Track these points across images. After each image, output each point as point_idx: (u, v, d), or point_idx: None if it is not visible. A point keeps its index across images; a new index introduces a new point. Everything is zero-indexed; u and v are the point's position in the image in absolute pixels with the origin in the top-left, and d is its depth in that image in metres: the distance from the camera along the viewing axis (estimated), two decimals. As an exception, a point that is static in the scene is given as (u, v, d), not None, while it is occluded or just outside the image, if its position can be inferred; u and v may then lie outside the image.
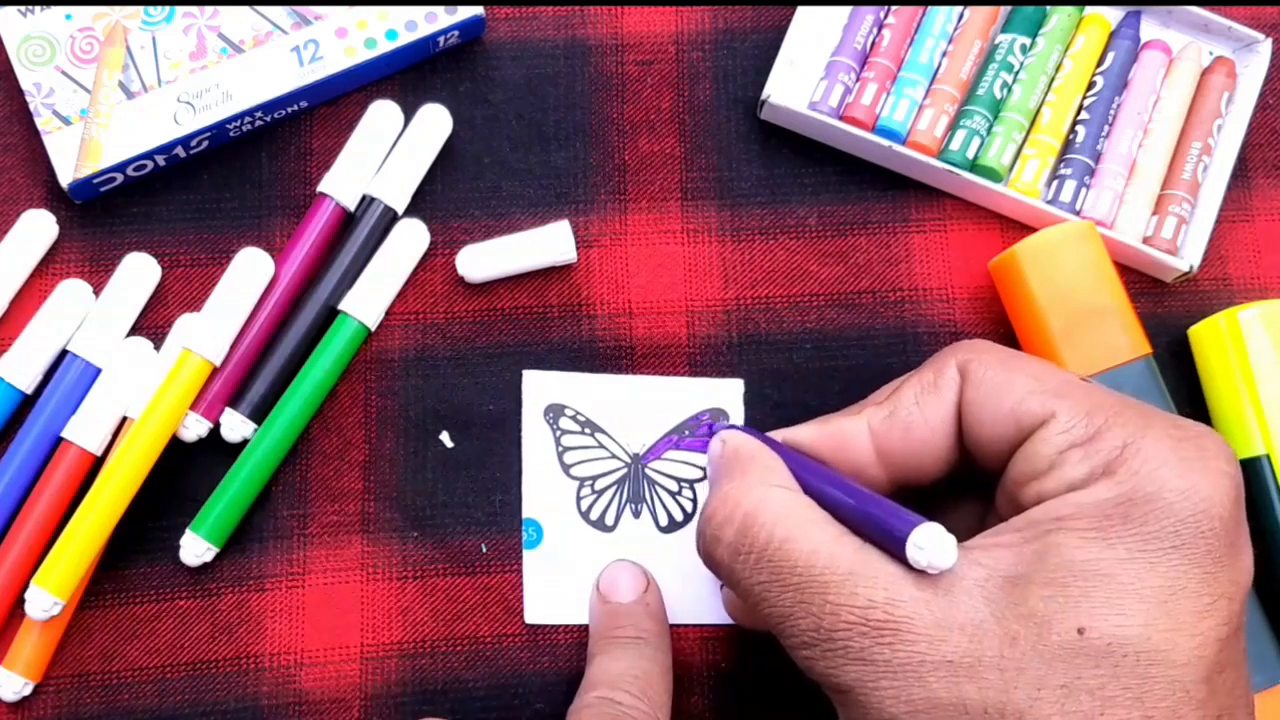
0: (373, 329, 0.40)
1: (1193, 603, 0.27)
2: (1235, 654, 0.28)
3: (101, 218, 0.41)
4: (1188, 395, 0.41)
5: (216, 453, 0.39)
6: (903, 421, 0.32)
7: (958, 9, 0.42)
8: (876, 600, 0.28)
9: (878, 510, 0.29)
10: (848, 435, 0.33)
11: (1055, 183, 0.41)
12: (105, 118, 0.39)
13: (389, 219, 0.41)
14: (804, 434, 0.34)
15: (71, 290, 0.39)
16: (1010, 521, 0.29)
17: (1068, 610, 0.27)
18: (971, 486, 0.34)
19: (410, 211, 0.41)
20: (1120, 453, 0.28)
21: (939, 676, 0.27)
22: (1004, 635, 0.27)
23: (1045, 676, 0.26)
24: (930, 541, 0.27)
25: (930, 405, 0.32)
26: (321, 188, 0.40)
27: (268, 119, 0.41)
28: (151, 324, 0.40)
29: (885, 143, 0.41)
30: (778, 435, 0.34)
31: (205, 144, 0.41)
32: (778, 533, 0.30)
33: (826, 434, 0.33)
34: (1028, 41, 0.42)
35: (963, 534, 0.31)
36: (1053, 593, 0.27)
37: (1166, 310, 0.42)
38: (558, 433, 0.40)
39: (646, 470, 0.40)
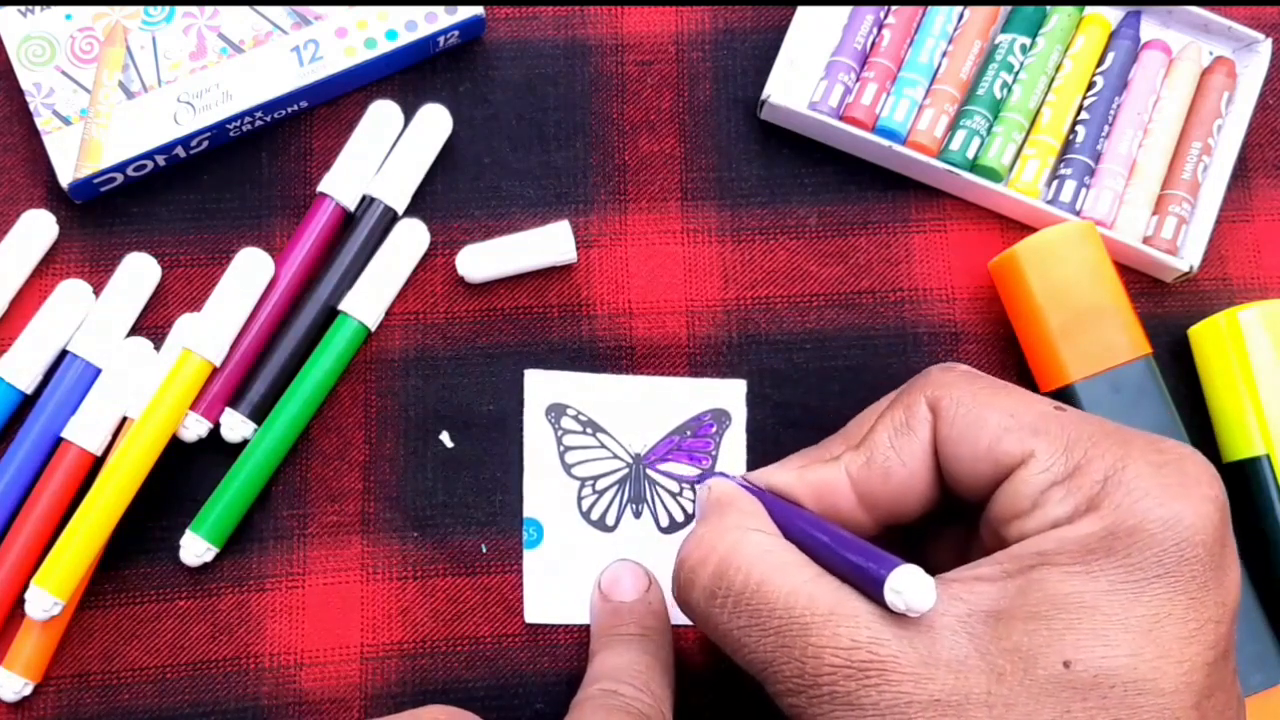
0: (373, 329, 0.40)
1: (1179, 629, 0.27)
2: (1224, 676, 0.28)
3: (101, 218, 0.41)
4: (1188, 395, 0.41)
5: (216, 453, 0.39)
6: (880, 467, 0.32)
7: (958, 9, 0.42)
8: (860, 640, 0.27)
9: (854, 554, 0.29)
10: (828, 484, 0.33)
11: (1055, 183, 0.41)
12: (105, 118, 0.39)
13: (389, 219, 0.41)
14: (785, 480, 0.33)
15: (71, 290, 0.39)
16: (992, 555, 0.29)
17: (1053, 644, 0.26)
18: (955, 513, 0.33)
19: (410, 211, 0.41)
20: (1102, 487, 0.28)
21: (927, 717, 0.27)
22: (990, 671, 0.27)
23: (1034, 712, 0.26)
24: (907, 585, 0.27)
25: (906, 447, 0.32)
26: (321, 188, 0.40)
27: (268, 119, 0.41)
28: (151, 324, 0.40)
29: (885, 143, 0.41)
30: (759, 478, 0.34)
31: (205, 144, 0.41)
32: (754, 575, 0.29)
33: (807, 483, 0.33)
34: (1028, 41, 0.42)
35: (947, 562, 0.30)
36: (1036, 627, 0.27)
37: (1166, 310, 0.42)
38: (559, 432, 0.40)
39: (648, 470, 0.40)
